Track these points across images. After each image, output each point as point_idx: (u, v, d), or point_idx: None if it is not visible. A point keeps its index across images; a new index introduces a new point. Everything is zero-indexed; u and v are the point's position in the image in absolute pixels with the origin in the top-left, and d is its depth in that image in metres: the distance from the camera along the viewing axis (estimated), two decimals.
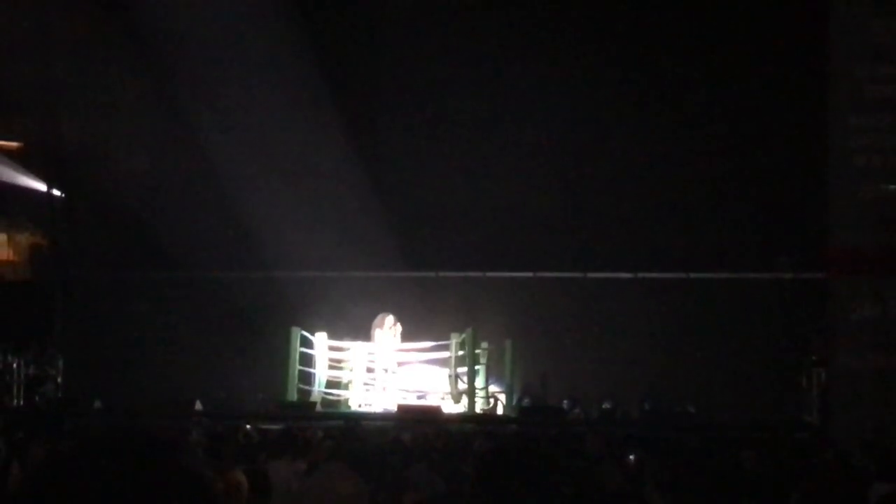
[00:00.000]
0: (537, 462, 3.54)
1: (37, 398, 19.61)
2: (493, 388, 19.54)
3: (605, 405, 18.84)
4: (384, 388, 19.63)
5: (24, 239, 22.21)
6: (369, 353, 19.67)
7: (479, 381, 19.17)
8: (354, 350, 19.69)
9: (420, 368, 19.79)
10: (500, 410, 19.33)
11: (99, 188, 21.25)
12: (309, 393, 19.32)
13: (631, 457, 9.82)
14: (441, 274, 21.55)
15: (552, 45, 20.25)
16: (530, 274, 21.36)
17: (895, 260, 17.51)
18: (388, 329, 19.83)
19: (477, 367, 19.05)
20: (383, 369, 19.66)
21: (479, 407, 18.99)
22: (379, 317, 19.96)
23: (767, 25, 19.61)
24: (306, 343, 19.43)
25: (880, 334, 17.12)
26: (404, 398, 19.42)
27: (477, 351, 19.05)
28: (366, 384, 19.68)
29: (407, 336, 19.88)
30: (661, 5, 20.25)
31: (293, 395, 19.05)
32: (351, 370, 19.72)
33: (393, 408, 18.63)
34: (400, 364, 19.81)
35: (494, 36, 20.52)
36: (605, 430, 13.82)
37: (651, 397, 18.93)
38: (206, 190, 21.14)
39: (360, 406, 19.48)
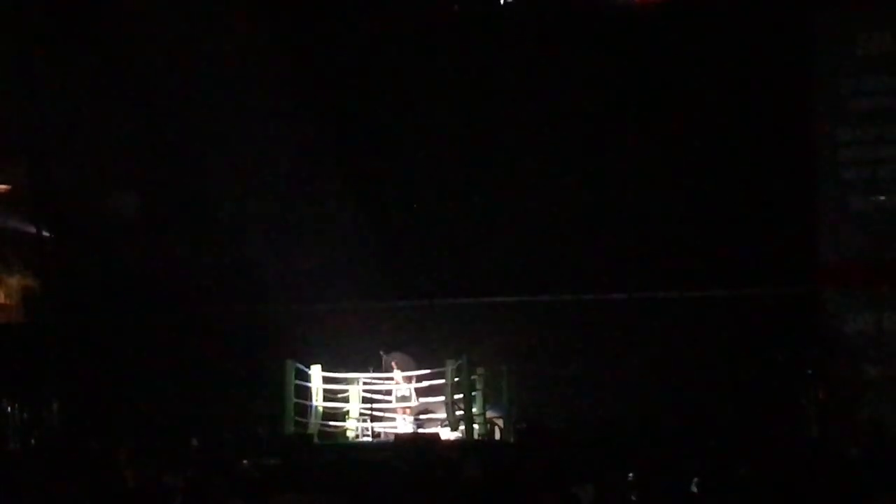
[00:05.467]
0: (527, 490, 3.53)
1: (32, 442, 19.53)
2: (490, 414, 19.48)
3: (600, 425, 18.71)
4: (382, 418, 19.60)
5: (15, 282, 22.16)
6: (365, 384, 19.65)
7: (476, 407, 19.13)
8: (350, 381, 19.67)
9: (416, 396, 19.74)
10: (497, 436, 19.28)
11: (89, 228, 21.25)
12: (306, 425, 19.28)
13: (630, 475, 9.80)
14: (435, 301, 21.52)
15: (544, 65, 20.30)
16: (524, 298, 21.33)
17: (887, 271, 17.57)
18: (386, 366, 19.80)
19: (473, 393, 19.02)
20: (379, 399, 19.64)
21: (477, 433, 18.94)
22: (384, 359, 19.87)
23: (752, 38, 19.63)
24: (302, 376, 19.39)
25: (875, 346, 17.15)
26: (402, 427, 19.39)
27: (473, 377, 19.02)
28: (362, 414, 19.65)
29: (402, 364, 19.86)
30: (644, 24, 20.29)
31: (290, 429, 19.01)
32: (347, 401, 19.70)
33: (390, 437, 18.61)
34: (397, 393, 19.78)
35: (488, 59, 20.57)
36: (602, 450, 13.77)
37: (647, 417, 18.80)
38: (197, 225, 21.14)
39: (357, 436, 19.44)
